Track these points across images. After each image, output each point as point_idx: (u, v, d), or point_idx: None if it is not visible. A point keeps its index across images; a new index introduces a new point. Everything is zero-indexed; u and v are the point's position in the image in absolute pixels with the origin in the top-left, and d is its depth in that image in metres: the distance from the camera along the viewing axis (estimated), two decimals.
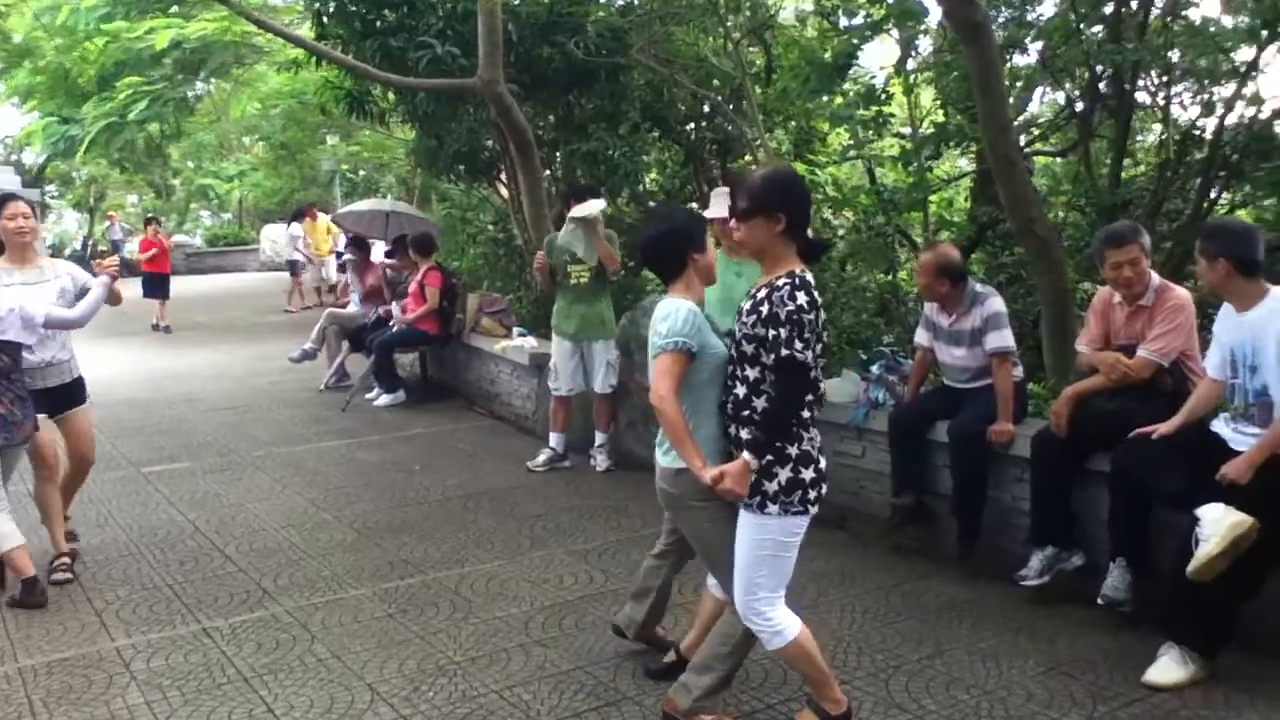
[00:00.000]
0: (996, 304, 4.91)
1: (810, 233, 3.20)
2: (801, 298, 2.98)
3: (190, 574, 5.18)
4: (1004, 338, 4.82)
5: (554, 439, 7.14)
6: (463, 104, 10.22)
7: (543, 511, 6.08)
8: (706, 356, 3.19)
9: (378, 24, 9.75)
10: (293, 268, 17.18)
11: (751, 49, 11.61)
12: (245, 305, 18.61)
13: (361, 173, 27.66)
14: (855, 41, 8.55)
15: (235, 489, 6.76)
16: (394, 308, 9.80)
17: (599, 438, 7.07)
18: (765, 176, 3.28)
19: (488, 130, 10.28)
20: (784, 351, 2.98)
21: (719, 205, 5.44)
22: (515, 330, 8.87)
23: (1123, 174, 7.88)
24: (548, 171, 11.89)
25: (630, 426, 7.22)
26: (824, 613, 4.47)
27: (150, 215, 20.56)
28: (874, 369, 5.58)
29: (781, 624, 3.18)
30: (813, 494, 3.10)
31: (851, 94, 8.74)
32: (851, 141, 11.03)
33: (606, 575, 4.98)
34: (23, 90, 15.69)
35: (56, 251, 29.37)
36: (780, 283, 3.04)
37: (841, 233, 12.01)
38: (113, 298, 5.16)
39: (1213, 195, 7.52)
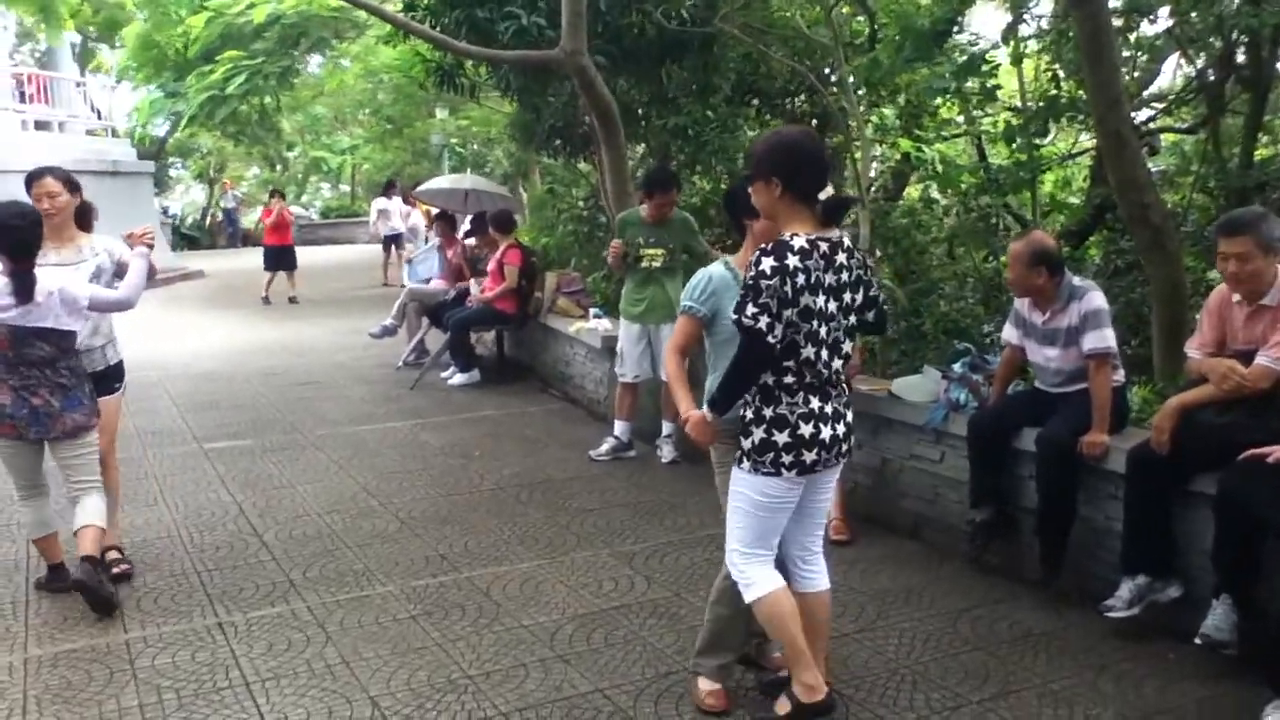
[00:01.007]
0: (1097, 300, 4.35)
1: (831, 194, 3.16)
2: (766, 263, 2.98)
3: (223, 561, 5.00)
4: (1104, 337, 4.27)
5: (619, 427, 6.79)
6: (555, 77, 9.91)
7: (596, 505, 5.75)
8: (724, 319, 3.30)
9: None
10: (386, 242, 17.16)
11: (857, 18, 11.00)
12: (347, 278, 18.74)
13: (472, 147, 27.74)
14: (956, 5, 7.90)
15: (291, 469, 6.60)
16: (472, 285, 9.57)
17: (666, 427, 6.70)
18: (763, 140, 3.32)
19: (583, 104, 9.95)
20: (733, 315, 3.04)
21: None
22: (591, 311, 8.53)
23: (1256, 153, 7.12)
24: (642, 146, 11.53)
25: None
26: (881, 638, 4.02)
27: (274, 187, 20.85)
28: (956, 367, 5.05)
29: (752, 578, 3.23)
30: (786, 458, 3.11)
31: (952, 63, 8.10)
32: (960, 115, 10.37)
33: (649, 582, 4.61)
34: (129, 67, 16.04)
35: (180, 221, 30.27)
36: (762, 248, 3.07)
37: (951, 213, 11.38)
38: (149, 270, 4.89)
39: None
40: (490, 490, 6.09)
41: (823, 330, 3.05)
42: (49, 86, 20.14)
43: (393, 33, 10.72)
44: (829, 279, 3.05)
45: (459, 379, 9.22)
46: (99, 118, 22.81)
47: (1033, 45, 9.31)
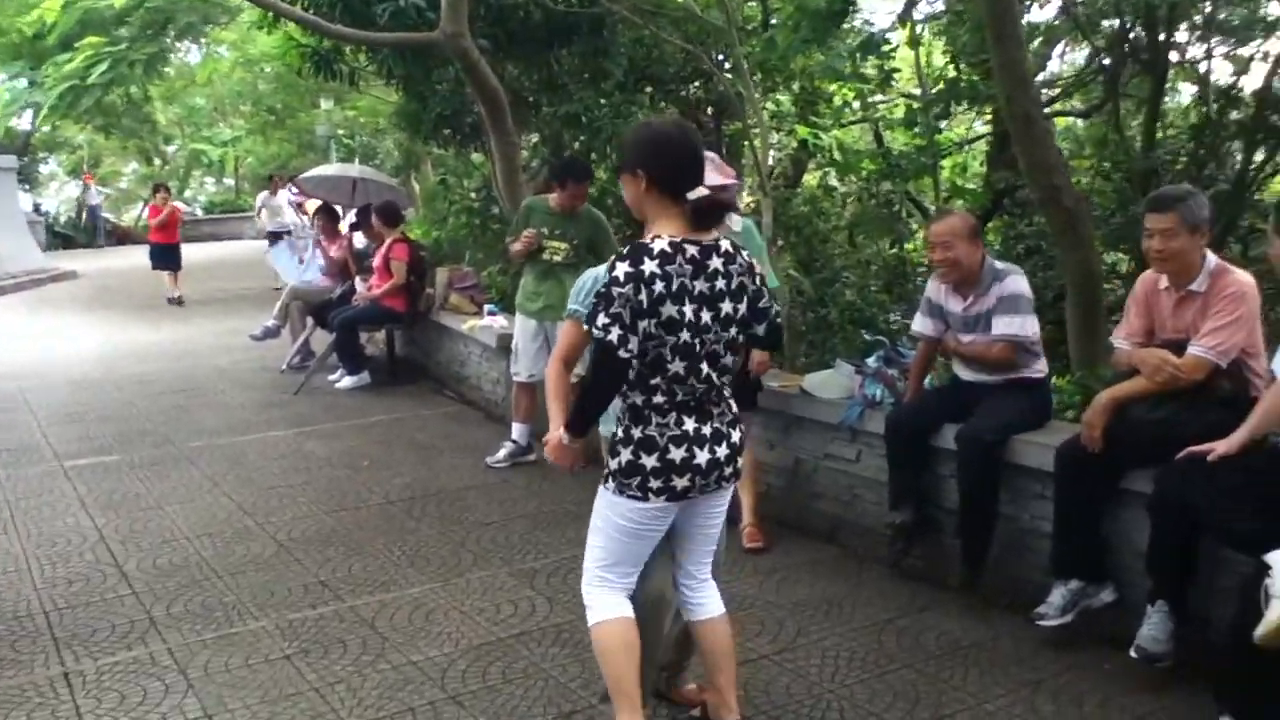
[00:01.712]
0: (1017, 284, 4.14)
1: (702, 192, 2.78)
2: (620, 268, 2.70)
3: (75, 597, 4.46)
4: (1017, 324, 4.07)
5: (517, 430, 6.41)
6: (440, 63, 9.45)
7: (495, 518, 5.36)
8: None
9: None
10: (271, 238, 16.35)
11: (750, 2, 10.77)
12: (232, 276, 17.90)
13: (360, 138, 26.88)
14: None
15: (160, 487, 6.05)
16: (358, 282, 9.06)
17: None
18: (631, 131, 3.09)
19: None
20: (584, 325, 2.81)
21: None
22: (486, 308, 8.11)
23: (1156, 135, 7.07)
24: (536, 136, 11.13)
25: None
26: (802, 658, 3.73)
27: (157, 182, 19.80)
28: (871, 361, 4.80)
29: (594, 603, 2.98)
30: (654, 483, 2.81)
31: (847, 45, 7.88)
32: (856, 101, 10.22)
33: (552, 604, 4.25)
34: None
35: (54, 220, 28.68)
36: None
37: (851, 201, 11.24)
38: None
39: (1258, 159, 6.71)
40: (379, 504, 5.65)
41: (694, 343, 2.76)
42: None
43: (264, 17, 10.11)
44: (699, 286, 2.74)
45: (347, 382, 8.70)
46: None
47: (929, 29, 9.20)
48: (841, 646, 3.82)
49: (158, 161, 32.86)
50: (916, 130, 8.06)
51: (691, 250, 2.74)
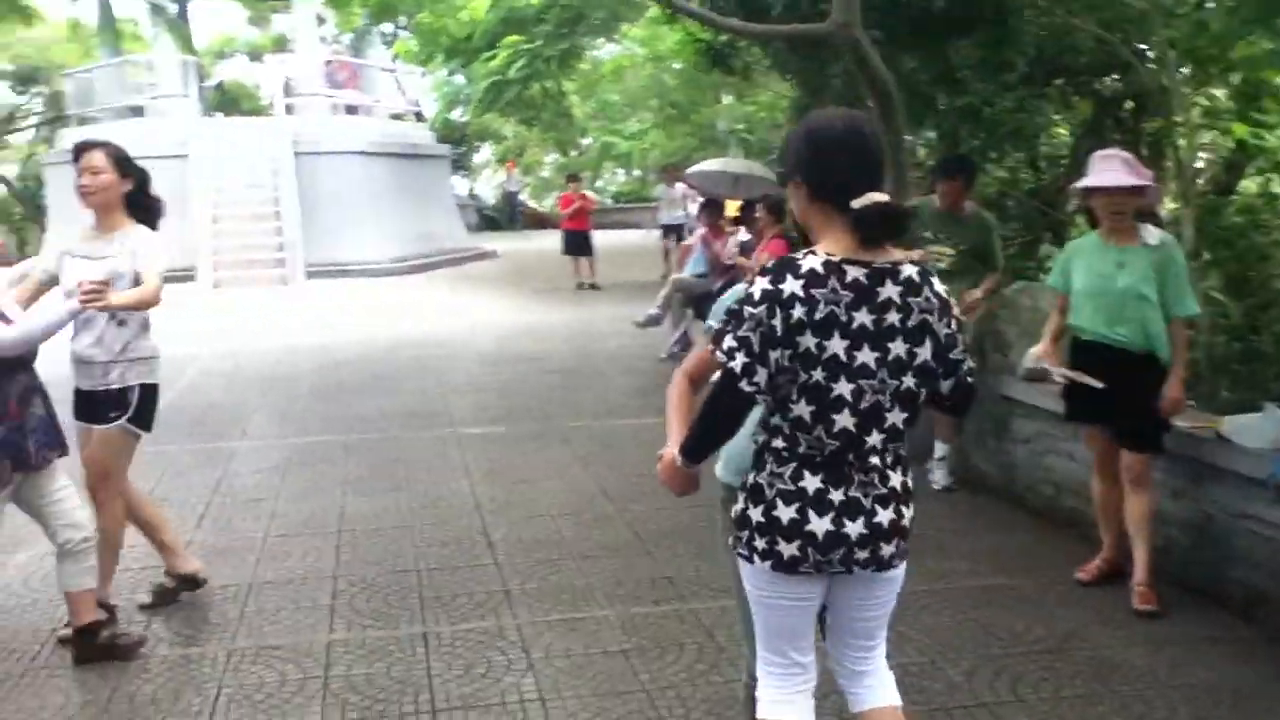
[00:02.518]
0: None
1: (872, 199, 2.22)
2: (759, 285, 2.25)
3: (446, 560, 4.76)
4: None
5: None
6: (834, 55, 9.22)
7: None
8: None
9: None
10: (665, 230, 16.89)
11: None
12: (633, 263, 18.74)
13: (758, 134, 27.25)
14: None
15: (536, 461, 6.37)
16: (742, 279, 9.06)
17: (939, 448, 5.92)
18: (790, 132, 2.56)
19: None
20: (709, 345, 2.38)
21: (1101, 172, 4.16)
22: None
23: None
24: (935, 133, 10.61)
25: (979, 439, 5.99)
26: None
27: (570, 172, 21.24)
28: None
29: (763, 695, 2.51)
30: (759, 543, 2.35)
31: None
32: None
33: (902, 642, 3.92)
34: (411, 52, 16.74)
35: (483, 205, 31.71)
36: None
37: None
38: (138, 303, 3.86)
39: None
40: None
41: (837, 386, 2.26)
42: (359, 73, 21.46)
43: (664, 13, 10.37)
44: (861, 318, 2.24)
45: None
46: (415, 104, 24.15)
47: None
48: None
49: (574, 152, 35.27)
50: None
51: (854, 273, 2.25)
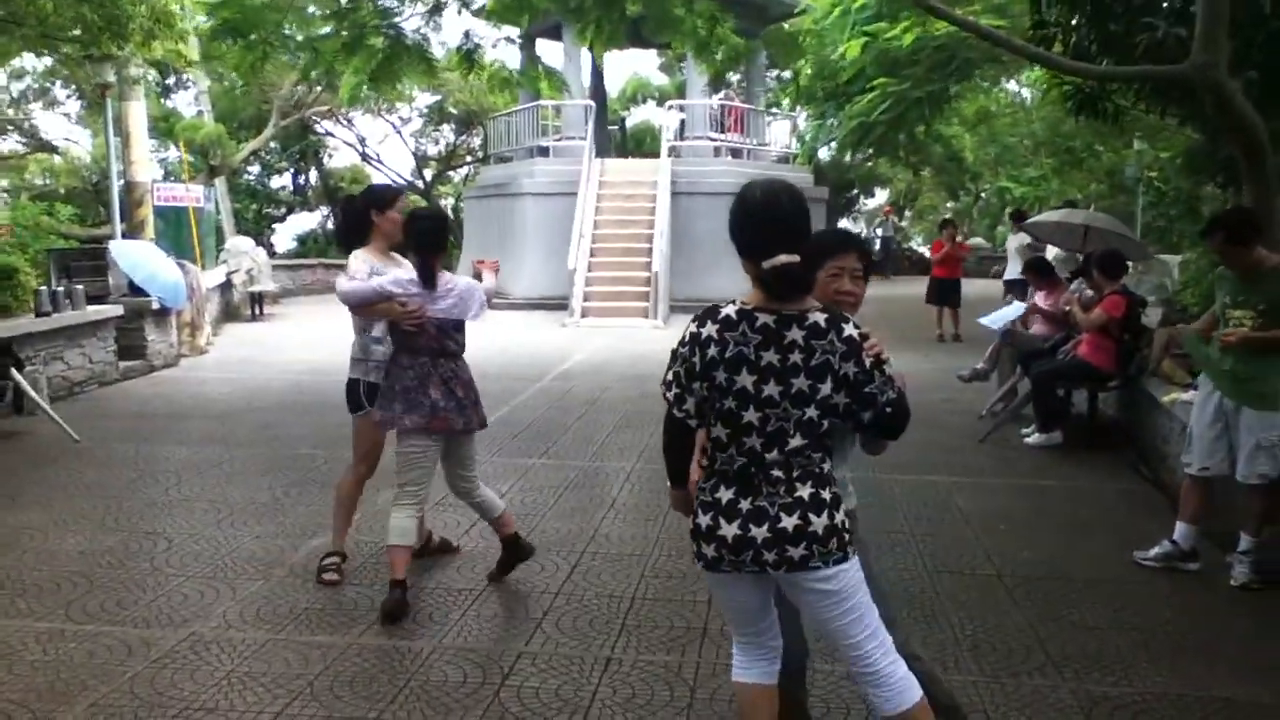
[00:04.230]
0: None
1: (776, 262, 2.63)
2: (689, 328, 2.78)
3: (663, 592, 4.89)
4: None
5: (1179, 531, 5.39)
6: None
7: (1099, 623, 4.59)
8: None
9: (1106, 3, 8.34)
10: (1007, 288, 15.54)
11: None
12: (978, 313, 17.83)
13: (1174, 183, 24.94)
14: None
15: None
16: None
17: (1242, 540, 5.18)
18: None
19: None
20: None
21: None
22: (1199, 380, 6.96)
23: None
24: None
25: None
26: None
27: (945, 218, 20.68)
28: None
29: (734, 664, 3.04)
30: (694, 546, 2.84)
31: None
32: None
33: None
34: (791, 96, 17.12)
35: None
36: None
37: None
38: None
39: None
40: (984, 575, 5.21)
41: (746, 413, 2.69)
42: (744, 117, 22.18)
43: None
44: (769, 357, 2.67)
45: (1037, 438, 8.17)
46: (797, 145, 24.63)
47: None
48: None
49: (967, 198, 34.18)
50: None
51: (764, 319, 2.68)
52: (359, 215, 4.96)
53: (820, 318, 2.68)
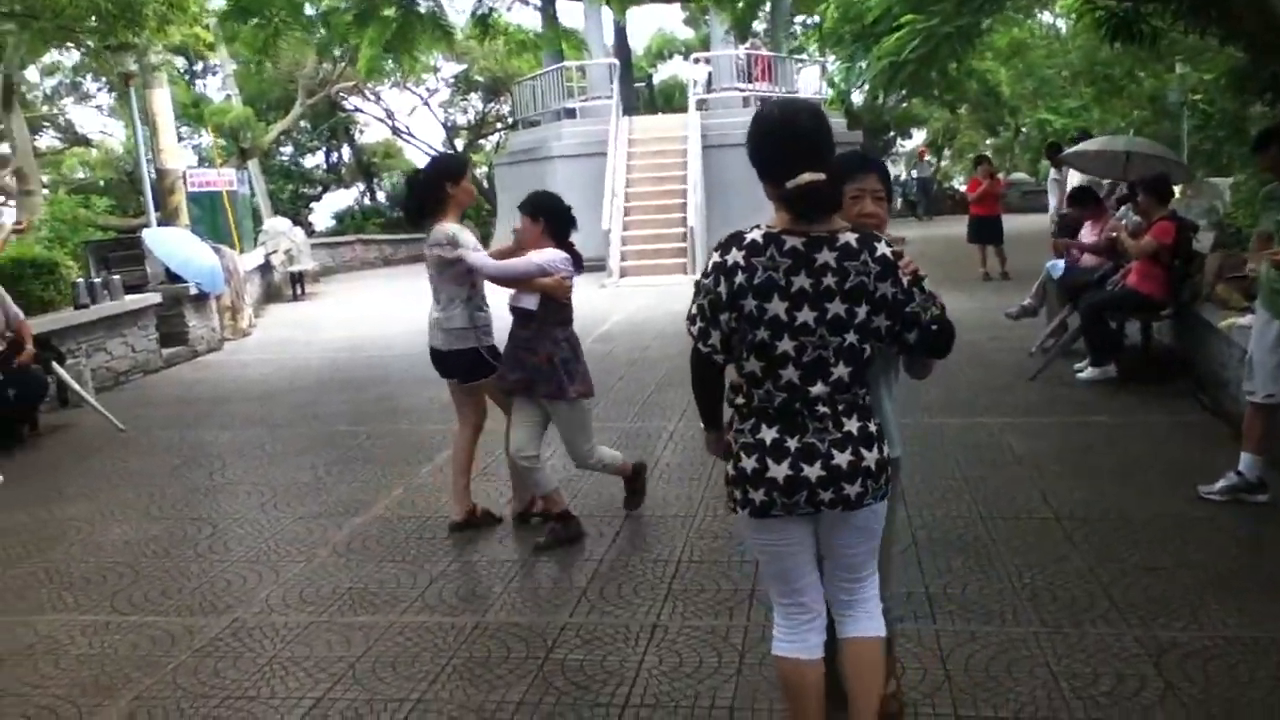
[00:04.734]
0: None
1: (802, 180, 2.48)
2: (712, 259, 2.60)
3: (708, 554, 4.78)
4: None
5: (1244, 461, 5.18)
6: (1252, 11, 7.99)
7: (1163, 563, 4.41)
8: None
9: None
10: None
11: None
12: (1027, 250, 17.39)
13: (1219, 104, 24.15)
14: None
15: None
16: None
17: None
18: None
19: None
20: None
21: None
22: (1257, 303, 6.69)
23: None
24: None
25: None
26: None
27: (978, 154, 20.16)
28: None
29: (775, 632, 2.84)
30: (737, 493, 2.64)
31: None
32: None
33: (1165, 692, 3.34)
34: (814, 39, 16.76)
35: (906, 189, 31.08)
36: None
37: None
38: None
39: None
40: (1040, 518, 5.03)
41: (780, 344, 2.52)
42: (771, 66, 21.80)
43: None
44: (800, 282, 2.49)
45: (1090, 373, 7.94)
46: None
47: None
48: None
49: (1007, 134, 33.43)
50: None
51: (792, 242, 2.51)
52: (432, 187, 5.03)
53: (851, 238, 2.53)
